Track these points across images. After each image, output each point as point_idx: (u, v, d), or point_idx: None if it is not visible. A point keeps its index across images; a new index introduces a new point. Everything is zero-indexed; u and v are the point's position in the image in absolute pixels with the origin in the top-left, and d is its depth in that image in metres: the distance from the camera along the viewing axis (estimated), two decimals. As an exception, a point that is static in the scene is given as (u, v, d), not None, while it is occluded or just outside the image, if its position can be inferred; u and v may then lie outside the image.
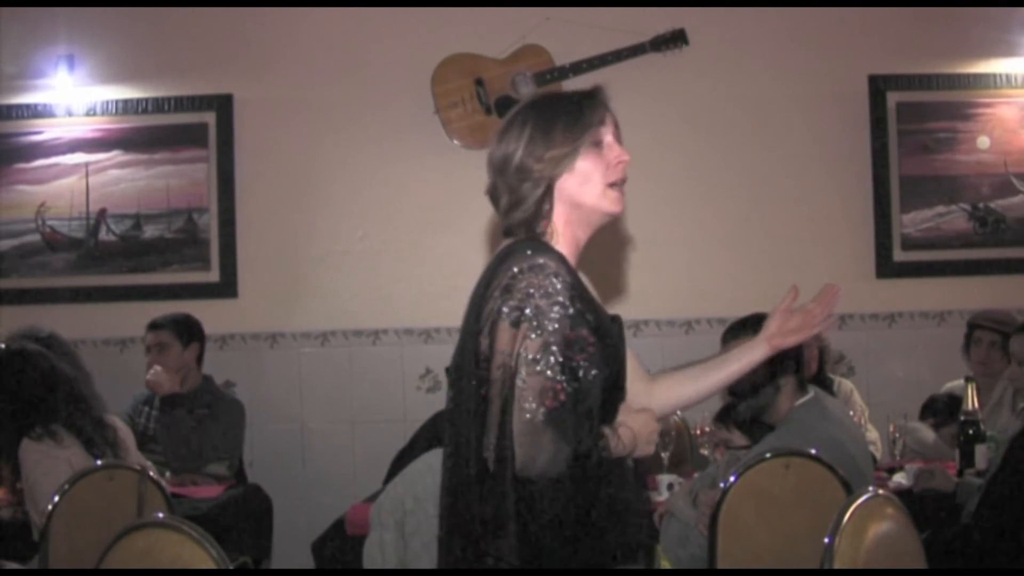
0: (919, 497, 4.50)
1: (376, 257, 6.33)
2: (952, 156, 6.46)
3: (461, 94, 6.20)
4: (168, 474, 5.08)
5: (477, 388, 2.56)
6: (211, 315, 6.10)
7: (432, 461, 4.12)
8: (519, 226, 2.72)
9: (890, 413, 5.28)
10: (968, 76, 6.50)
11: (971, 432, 4.79)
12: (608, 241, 6.23)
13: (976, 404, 4.85)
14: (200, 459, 5.40)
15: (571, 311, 2.56)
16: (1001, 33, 6.52)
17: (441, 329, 6.30)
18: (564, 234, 2.75)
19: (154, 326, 5.61)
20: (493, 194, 2.78)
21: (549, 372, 2.51)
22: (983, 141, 6.47)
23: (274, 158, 6.36)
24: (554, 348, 2.52)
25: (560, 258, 2.65)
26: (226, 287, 6.33)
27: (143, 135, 6.33)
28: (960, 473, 4.69)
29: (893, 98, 6.45)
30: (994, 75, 6.50)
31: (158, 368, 5.48)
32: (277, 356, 6.34)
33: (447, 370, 2.84)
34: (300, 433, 6.34)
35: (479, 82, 6.19)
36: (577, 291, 2.63)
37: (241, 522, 5.05)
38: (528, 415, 2.49)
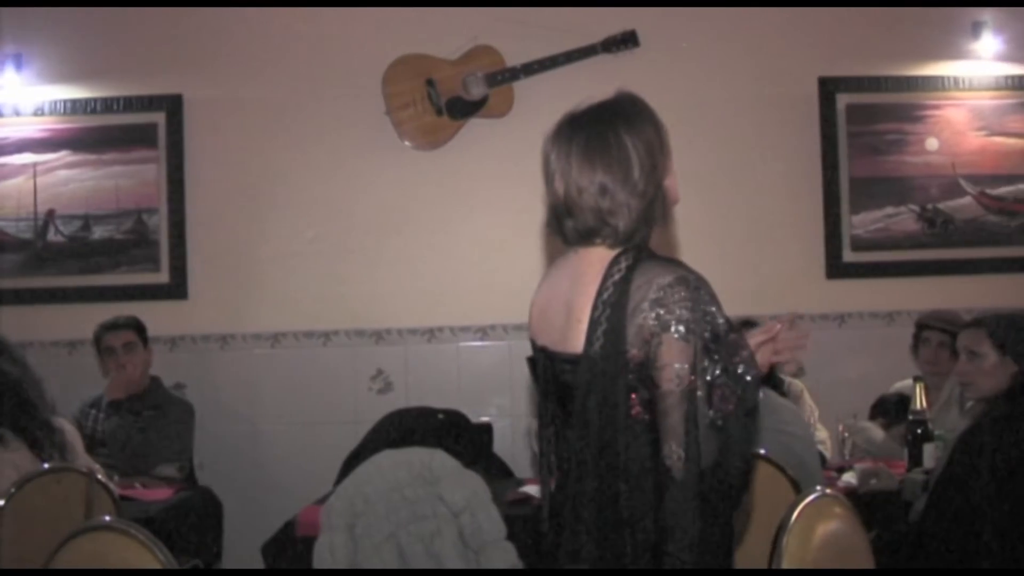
0: (868, 496, 4.52)
1: (327, 258, 6.30)
2: (901, 158, 6.50)
3: (412, 95, 6.19)
4: (117, 477, 5.04)
5: (628, 402, 2.64)
6: (161, 316, 6.08)
7: (382, 463, 4.12)
8: (633, 236, 2.75)
9: (840, 413, 5.33)
10: (917, 78, 6.54)
11: (919, 431, 4.83)
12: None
13: (924, 403, 4.88)
14: (149, 461, 5.38)
15: (721, 318, 2.64)
16: (949, 36, 6.57)
17: (392, 330, 6.29)
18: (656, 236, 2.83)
19: (116, 326, 5.59)
20: (604, 220, 2.75)
21: (722, 379, 2.60)
22: (931, 143, 6.52)
23: (224, 159, 6.32)
24: (717, 356, 2.61)
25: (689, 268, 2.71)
26: (176, 288, 6.28)
27: (92, 135, 6.29)
28: (908, 472, 4.72)
29: (843, 100, 6.49)
30: (942, 77, 6.54)
31: (129, 368, 5.49)
32: (228, 358, 6.31)
33: (531, 361, 2.95)
34: (251, 435, 6.31)
35: (430, 83, 6.18)
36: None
37: (191, 524, 5.03)
38: (719, 422, 2.59)
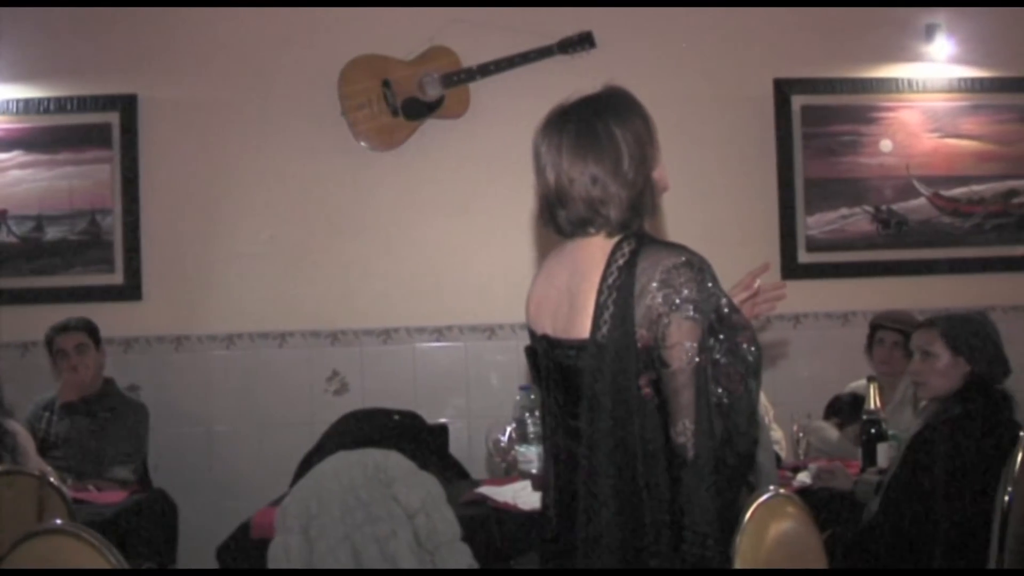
0: (822, 496, 4.54)
1: (282, 259, 6.28)
2: (856, 159, 6.54)
3: (368, 95, 6.17)
4: (70, 480, 5.00)
5: (638, 383, 2.73)
6: (115, 318, 6.05)
7: (337, 464, 4.11)
8: (626, 226, 2.86)
9: (795, 413, 5.33)
10: (871, 80, 6.58)
11: (873, 431, 4.84)
12: (513, 240, 6.25)
13: (878, 403, 4.90)
14: (103, 464, 5.34)
15: (724, 299, 2.76)
16: (903, 38, 6.61)
17: (348, 331, 6.27)
18: (647, 226, 2.92)
19: (67, 328, 5.55)
20: (595, 209, 2.84)
21: (726, 359, 2.73)
22: (886, 144, 6.56)
23: (179, 159, 6.28)
24: (722, 336, 2.73)
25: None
26: (130, 289, 6.23)
27: (45, 135, 6.22)
28: (863, 472, 4.74)
29: (798, 101, 6.51)
30: (896, 79, 6.59)
31: (81, 370, 5.45)
32: (182, 359, 6.27)
33: (530, 352, 3.09)
34: (206, 436, 6.28)
35: (386, 83, 6.16)
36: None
37: (145, 527, 4.99)
38: (724, 400, 2.72)
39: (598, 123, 2.86)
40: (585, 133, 2.85)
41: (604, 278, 2.78)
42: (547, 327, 2.95)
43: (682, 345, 2.68)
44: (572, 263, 2.91)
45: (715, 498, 2.68)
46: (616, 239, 2.84)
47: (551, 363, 2.94)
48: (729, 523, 2.77)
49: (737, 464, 2.75)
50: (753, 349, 2.77)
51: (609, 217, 2.83)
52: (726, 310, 2.76)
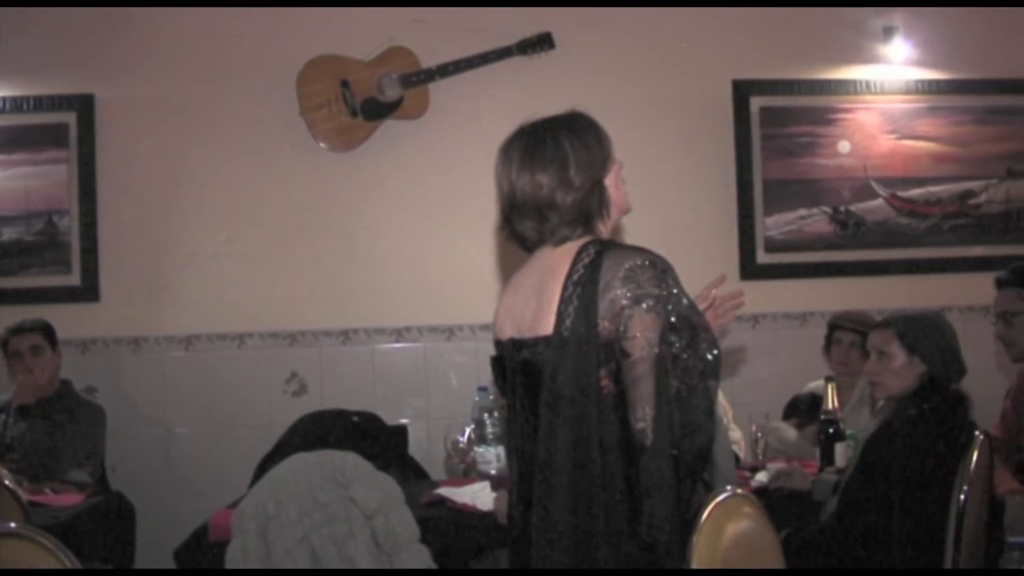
0: (779, 496, 4.55)
1: (241, 260, 6.25)
2: (813, 160, 6.57)
3: (326, 96, 6.15)
4: (26, 482, 4.96)
5: (598, 374, 2.84)
6: (72, 319, 6.01)
7: (295, 466, 4.09)
8: (579, 230, 3.01)
9: (754, 413, 5.34)
10: (829, 82, 6.61)
11: (831, 431, 4.85)
12: (472, 241, 6.25)
13: (836, 403, 4.91)
14: (60, 466, 5.30)
15: (685, 300, 2.88)
16: (861, 40, 6.65)
17: (307, 332, 6.25)
18: (605, 231, 3.06)
19: (22, 330, 5.50)
20: (543, 214, 3.01)
21: (686, 354, 2.82)
22: (843, 146, 6.60)
23: (137, 159, 6.24)
24: (683, 334, 2.83)
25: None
26: (87, 291, 6.19)
27: (1, 135, 6.19)
28: (820, 471, 4.76)
29: (756, 103, 6.55)
30: (854, 81, 6.62)
31: (37, 372, 5.41)
32: (140, 361, 6.23)
33: (495, 363, 3.20)
34: (165, 438, 6.24)
35: (345, 84, 6.15)
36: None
37: (102, 530, 4.95)
38: (683, 393, 2.81)
39: (547, 135, 3.02)
40: (534, 144, 3.02)
41: (569, 275, 2.90)
42: (511, 331, 3.07)
43: (644, 336, 2.79)
44: (538, 270, 3.05)
45: (672, 485, 2.78)
46: (581, 243, 2.96)
47: (517, 364, 3.03)
48: (682, 515, 2.83)
49: (692, 459, 2.83)
50: (713, 351, 2.87)
51: (558, 221, 2.99)
52: (687, 311, 2.86)
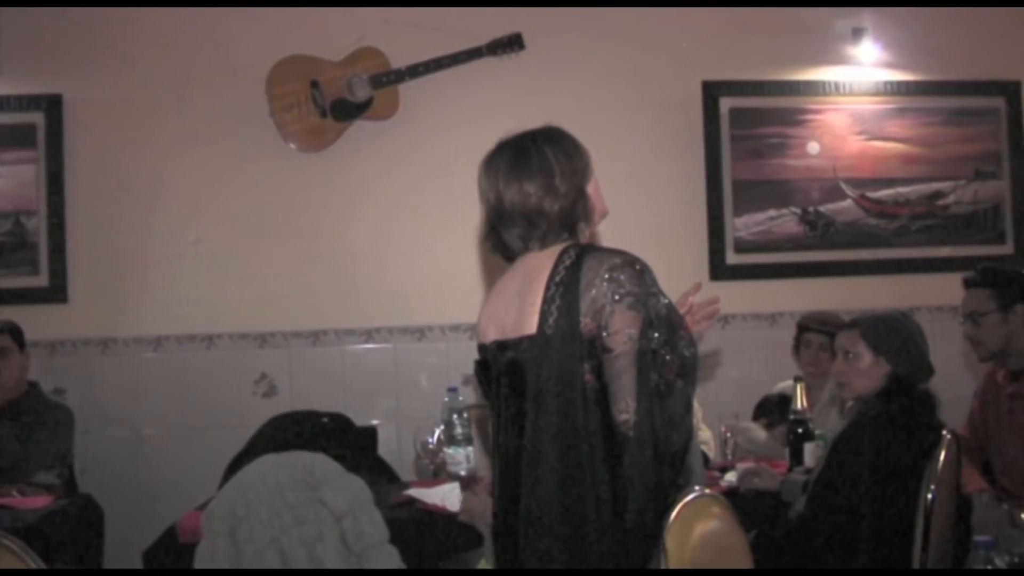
0: (748, 496, 4.56)
1: (210, 261, 6.23)
2: (783, 161, 6.59)
3: (296, 96, 6.14)
4: (-8, 485, 4.95)
5: (581, 369, 2.96)
6: (40, 321, 5.97)
7: (264, 467, 4.08)
8: (564, 235, 3.14)
9: (723, 413, 5.36)
10: (798, 83, 6.64)
11: (800, 431, 4.87)
12: (442, 242, 6.25)
13: (805, 403, 4.93)
14: (28, 469, 5.27)
15: (664, 299, 3.01)
16: (830, 41, 6.68)
17: (276, 333, 6.24)
18: (583, 237, 3.19)
19: None
20: (532, 222, 3.13)
21: (665, 350, 2.96)
22: (813, 147, 6.62)
23: (106, 160, 6.21)
24: (663, 329, 2.97)
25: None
26: (56, 292, 6.15)
27: (-32, 136, 6.16)
28: (790, 471, 4.77)
29: (726, 104, 6.56)
30: (823, 82, 6.65)
31: (4, 374, 5.38)
32: (109, 362, 6.20)
33: (479, 367, 3.31)
34: (133, 440, 6.21)
35: (314, 84, 6.13)
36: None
37: (70, 532, 4.93)
38: (658, 387, 2.94)
39: (531, 147, 3.15)
40: (519, 156, 3.15)
41: (551, 277, 3.02)
42: (495, 334, 3.19)
43: (624, 331, 2.92)
44: (521, 275, 3.15)
45: (653, 474, 2.90)
46: (561, 247, 3.09)
47: (502, 365, 3.14)
48: (662, 504, 2.95)
49: (672, 454, 2.95)
50: (691, 348, 3.01)
51: (546, 228, 3.11)
52: (665, 310, 2.99)
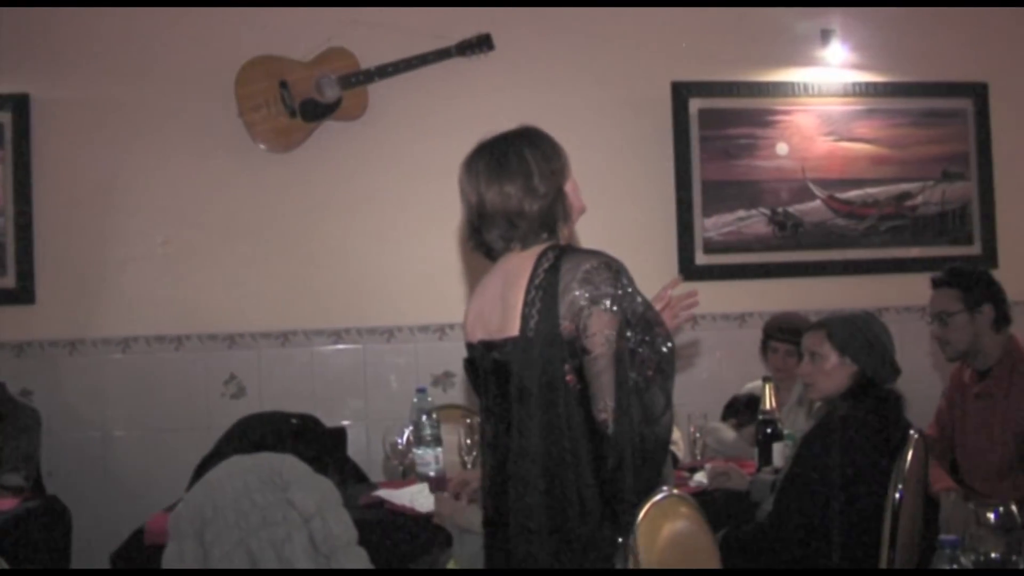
0: (717, 496, 4.57)
1: (178, 262, 6.20)
2: (752, 162, 6.61)
3: (265, 96, 6.12)
4: (-42, 488, 4.92)
5: (563, 370, 3.07)
6: (7, 322, 5.97)
7: (232, 468, 4.06)
8: (544, 234, 3.24)
9: (692, 414, 5.37)
10: (767, 84, 6.65)
11: (768, 431, 4.89)
12: (410, 242, 6.24)
13: (774, 404, 4.95)
14: (-7, 471, 5.25)
15: (640, 297, 3.12)
16: (799, 43, 6.70)
17: (245, 334, 6.21)
18: (563, 235, 3.29)
19: None
20: (512, 223, 3.22)
21: (642, 348, 3.09)
22: (782, 147, 6.64)
23: (74, 160, 6.17)
24: (638, 330, 3.09)
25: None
26: (23, 293, 6.11)
27: (-65, 135, 6.11)
28: (758, 471, 4.79)
29: (695, 104, 6.57)
30: (792, 83, 6.67)
31: None
32: (77, 363, 6.17)
33: (467, 364, 3.40)
34: (101, 442, 6.18)
35: (283, 84, 6.12)
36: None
37: (36, 534, 4.90)
38: (637, 384, 3.07)
39: (510, 149, 3.23)
40: (498, 158, 3.23)
41: (531, 280, 3.13)
42: (482, 333, 3.29)
43: (602, 333, 3.04)
44: (503, 275, 3.24)
45: (634, 470, 3.02)
46: (540, 249, 3.18)
47: (488, 364, 3.24)
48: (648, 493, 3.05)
49: (653, 447, 3.09)
50: (668, 343, 3.14)
51: (526, 228, 3.20)
52: (641, 308, 3.12)
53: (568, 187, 3.28)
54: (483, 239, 3.29)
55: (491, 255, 3.33)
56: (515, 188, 3.18)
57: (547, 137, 3.31)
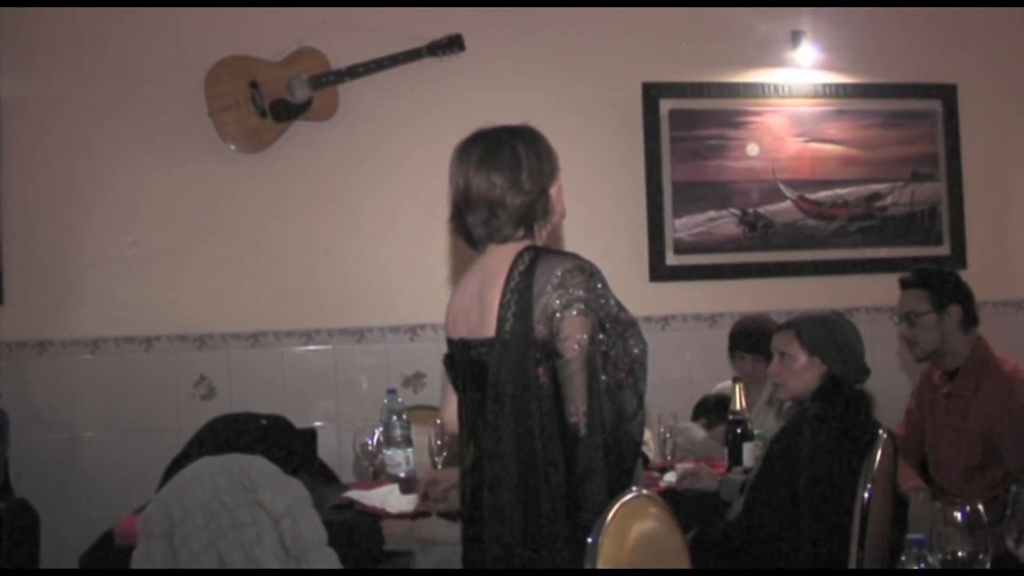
0: (687, 496, 4.58)
1: (148, 262, 6.17)
2: (723, 162, 6.62)
3: (235, 97, 6.10)
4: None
5: (537, 372, 3.12)
6: (-25, 323, 5.93)
7: (201, 470, 4.06)
8: (520, 231, 3.31)
9: (663, 414, 5.38)
10: (738, 85, 6.67)
11: (739, 431, 4.91)
12: (381, 243, 6.23)
13: (743, 404, 4.97)
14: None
15: (612, 300, 3.19)
16: (770, 44, 6.73)
17: (215, 335, 6.19)
18: (539, 235, 3.35)
19: None
20: (493, 211, 3.28)
21: (614, 351, 3.16)
22: (752, 148, 6.66)
23: (43, 160, 6.13)
24: (610, 332, 3.16)
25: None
26: (-9, 293, 6.10)
27: (-99, 135, 6.07)
28: (728, 471, 4.80)
29: (666, 105, 6.58)
30: (763, 84, 6.69)
31: None
32: (46, 364, 6.13)
33: (447, 359, 3.47)
34: (70, 443, 6.14)
35: (254, 85, 6.10)
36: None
37: (5, 537, 4.89)
38: (612, 386, 3.15)
39: (505, 141, 3.30)
40: (492, 147, 3.29)
41: (507, 282, 3.18)
42: (462, 331, 3.35)
43: (574, 337, 3.09)
44: (480, 274, 3.32)
45: (605, 471, 3.09)
46: (518, 250, 3.24)
47: (467, 362, 3.32)
48: (615, 492, 3.05)
49: (625, 447, 3.17)
50: (640, 345, 3.20)
51: (504, 219, 3.27)
52: (614, 310, 3.18)
53: (553, 190, 3.35)
54: (465, 222, 3.33)
55: (470, 240, 3.38)
56: (502, 179, 3.25)
57: (543, 139, 3.38)
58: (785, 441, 4.07)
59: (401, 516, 4.36)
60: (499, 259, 3.26)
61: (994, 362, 4.74)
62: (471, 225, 3.32)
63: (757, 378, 5.45)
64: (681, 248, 6.57)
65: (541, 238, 3.35)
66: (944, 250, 6.84)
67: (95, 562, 4.34)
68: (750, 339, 5.56)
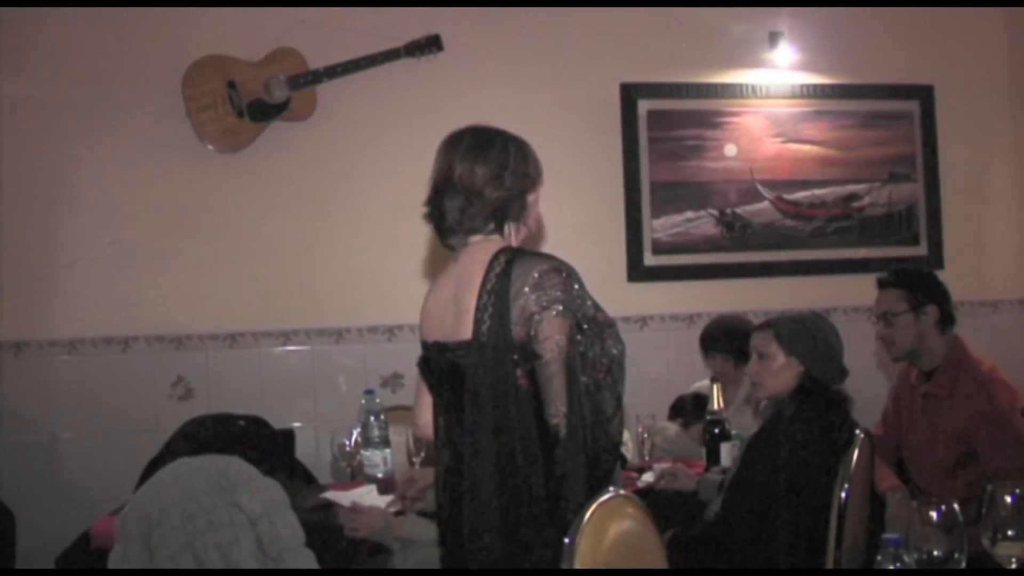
0: (664, 496, 4.59)
1: (125, 263, 6.14)
2: (700, 163, 6.64)
3: (213, 97, 6.08)
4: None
5: (515, 374, 3.12)
6: (-48, 324, 5.90)
7: (178, 471, 4.05)
8: (491, 225, 3.32)
9: (640, 413, 5.39)
10: (716, 86, 6.69)
11: (716, 431, 4.92)
12: (360, 243, 6.22)
13: (721, 404, 4.98)
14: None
15: (589, 300, 3.21)
16: (747, 45, 6.74)
17: (193, 336, 6.17)
18: (508, 236, 3.35)
19: None
20: (469, 200, 3.28)
21: (592, 352, 3.18)
22: (730, 149, 6.67)
23: (19, 160, 6.10)
24: (588, 332, 3.18)
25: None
26: (-33, 294, 6.07)
27: None
28: (706, 471, 4.80)
29: (644, 106, 6.59)
30: (741, 85, 6.71)
31: None
32: (22, 365, 6.10)
33: (422, 362, 3.45)
34: (48, 444, 6.11)
35: (231, 85, 6.08)
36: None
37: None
38: (591, 387, 3.17)
39: (497, 138, 3.34)
40: (482, 140, 3.32)
41: (483, 284, 3.17)
42: (437, 334, 3.34)
43: (553, 339, 3.10)
44: (456, 276, 3.31)
45: (585, 472, 3.10)
46: (493, 251, 3.22)
47: (443, 365, 3.30)
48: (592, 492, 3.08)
49: (604, 448, 3.19)
50: (618, 346, 3.22)
51: (477, 211, 3.27)
52: (591, 311, 3.20)
53: (531, 197, 3.37)
54: (440, 205, 3.32)
55: (440, 228, 3.36)
56: (484, 171, 3.25)
57: (532, 150, 3.41)
58: (763, 441, 4.08)
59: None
60: (474, 261, 3.26)
61: (971, 362, 4.75)
62: (446, 209, 3.31)
63: (731, 377, 5.46)
64: (659, 248, 6.57)
65: (515, 240, 3.36)
66: (921, 250, 6.87)
67: (72, 563, 4.32)
68: (718, 340, 5.59)
